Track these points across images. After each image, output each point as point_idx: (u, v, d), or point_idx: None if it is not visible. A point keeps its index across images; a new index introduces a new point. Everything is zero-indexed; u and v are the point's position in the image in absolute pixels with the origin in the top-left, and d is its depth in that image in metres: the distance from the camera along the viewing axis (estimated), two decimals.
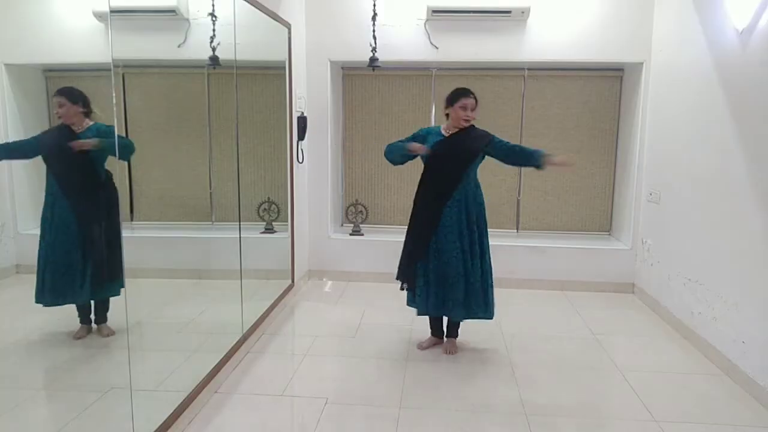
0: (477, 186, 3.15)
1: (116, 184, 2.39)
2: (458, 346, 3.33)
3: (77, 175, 2.31)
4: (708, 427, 2.56)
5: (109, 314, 2.46)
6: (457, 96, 3.07)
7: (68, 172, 2.24)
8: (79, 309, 2.39)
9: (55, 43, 2.08)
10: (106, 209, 2.36)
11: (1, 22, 1.87)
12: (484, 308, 3.13)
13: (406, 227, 3.26)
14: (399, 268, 3.27)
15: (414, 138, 3.18)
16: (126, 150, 2.46)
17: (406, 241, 3.25)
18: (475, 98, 3.09)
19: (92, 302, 2.45)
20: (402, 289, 3.27)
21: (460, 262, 3.07)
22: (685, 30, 3.71)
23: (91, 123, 2.28)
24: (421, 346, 3.33)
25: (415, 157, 3.14)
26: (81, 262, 2.26)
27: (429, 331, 3.40)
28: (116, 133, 2.14)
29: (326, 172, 4.68)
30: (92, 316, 2.47)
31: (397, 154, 3.16)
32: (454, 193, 3.08)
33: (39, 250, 2.13)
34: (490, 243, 3.19)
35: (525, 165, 3.13)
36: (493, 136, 3.12)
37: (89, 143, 2.26)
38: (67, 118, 2.22)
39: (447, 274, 3.07)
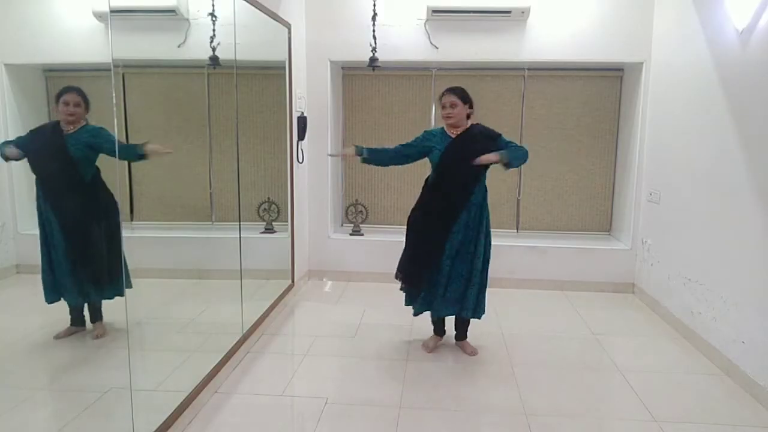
0: (486, 189, 3.11)
1: (115, 185, 2.37)
2: (459, 346, 3.34)
3: (58, 177, 2.26)
4: (708, 427, 2.56)
5: (109, 314, 2.46)
6: (439, 97, 3.09)
7: (49, 173, 2.20)
8: (70, 310, 2.38)
9: (55, 43, 2.08)
10: (95, 212, 2.32)
11: (1, 22, 1.87)
12: (474, 308, 3.12)
13: (407, 227, 3.21)
14: (401, 270, 3.23)
15: (416, 141, 3.16)
16: (124, 152, 2.44)
17: (411, 245, 3.19)
18: (456, 93, 3.02)
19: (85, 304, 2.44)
20: (402, 289, 3.26)
21: (467, 264, 3.05)
22: (685, 30, 3.71)
23: (84, 124, 2.27)
24: (428, 348, 3.28)
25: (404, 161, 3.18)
26: (66, 265, 2.24)
27: (429, 331, 3.39)
28: (115, 135, 2.13)
29: (326, 172, 4.68)
30: (84, 317, 2.46)
31: (386, 156, 3.22)
32: (471, 197, 3.02)
33: (40, 248, 2.14)
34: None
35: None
36: (501, 136, 3.07)
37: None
38: (77, 120, 2.21)
39: (456, 276, 3.06)
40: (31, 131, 2.04)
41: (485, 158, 2.95)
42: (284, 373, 3.06)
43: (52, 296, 2.18)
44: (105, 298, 2.40)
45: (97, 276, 2.33)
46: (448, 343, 3.39)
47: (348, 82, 4.93)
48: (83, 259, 2.28)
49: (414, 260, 3.17)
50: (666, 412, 2.67)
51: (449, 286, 3.07)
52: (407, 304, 3.25)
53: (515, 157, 2.99)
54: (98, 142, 2.26)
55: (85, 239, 2.28)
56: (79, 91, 2.21)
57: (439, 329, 3.36)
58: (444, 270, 3.06)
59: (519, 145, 3.06)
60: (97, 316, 2.47)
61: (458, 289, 3.07)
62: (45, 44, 2.05)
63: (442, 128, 3.14)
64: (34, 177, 2.08)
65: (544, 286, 4.55)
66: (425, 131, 3.21)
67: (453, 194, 3.05)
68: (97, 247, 2.28)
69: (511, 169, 3.16)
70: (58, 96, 2.18)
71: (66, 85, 2.22)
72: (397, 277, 3.26)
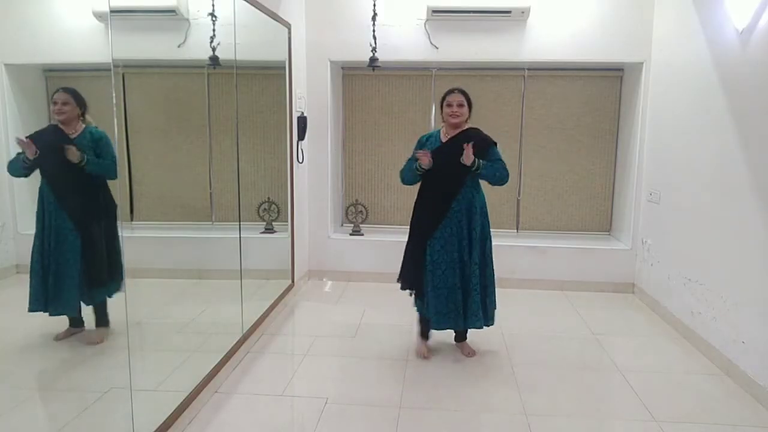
0: (478, 191, 3.07)
1: (115, 185, 2.37)
2: (458, 347, 3.34)
3: (72, 180, 2.24)
4: (708, 427, 2.56)
5: (110, 314, 2.45)
6: (443, 96, 3.06)
7: (63, 177, 2.19)
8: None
9: (55, 43, 2.08)
10: (103, 213, 2.33)
11: (1, 22, 1.87)
12: (481, 318, 3.06)
13: (408, 234, 3.20)
14: (402, 276, 3.22)
15: (417, 149, 3.13)
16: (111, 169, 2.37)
17: (406, 250, 3.20)
18: (464, 94, 3.02)
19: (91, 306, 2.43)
20: (411, 294, 3.23)
21: (457, 273, 3.01)
22: (685, 30, 3.71)
23: (84, 127, 2.26)
24: (422, 353, 3.22)
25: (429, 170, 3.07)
26: (76, 270, 2.22)
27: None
28: (115, 149, 2.12)
29: (326, 172, 4.68)
30: (83, 318, 2.44)
31: (409, 174, 3.11)
32: (453, 203, 3.01)
33: (32, 255, 2.09)
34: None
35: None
36: (494, 147, 3.03)
37: (76, 154, 2.19)
38: (68, 119, 2.19)
39: (443, 285, 3.02)
40: (32, 135, 2.03)
41: (468, 153, 2.89)
42: (284, 373, 3.06)
43: (36, 305, 2.12)
44: (108, 296, 2.39)
45: (104, 276, 2.32)
46: (447, 344, 3.39)
47: (348, 82, 4.93)
48: (93, 261, 2.27)
49: (406, 264, 3.18)
50: (666, 412, 2.67)
51: (448, 297, 3.03)
52: (418, 310, 3.23)
53: (488, 172, 2.96)
54: (97, 149, 2.25)
55: (98, 241, 2.28)
56: (67, 90, 2.17)
57: (424, 331, 3.27)
58: (437, 277, 3.02)
59: (503, 168, 3.01)
60: (103, 320, 2.45)
61: (458, 299, 3.02)
62: (45, 44, 2.05)
63: (438, 130, 3.13)
64: (36, 177, 2.07)
65: (544, 286, 4.55)
66: (418, 140, 3.18)
67: (437, 197, 3.04)
68: (106, 247, 2.28)
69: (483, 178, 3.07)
70: (51, 96, 2.17)
71: (66, 85, 2.21)
72: (403, 287, 3.23)
